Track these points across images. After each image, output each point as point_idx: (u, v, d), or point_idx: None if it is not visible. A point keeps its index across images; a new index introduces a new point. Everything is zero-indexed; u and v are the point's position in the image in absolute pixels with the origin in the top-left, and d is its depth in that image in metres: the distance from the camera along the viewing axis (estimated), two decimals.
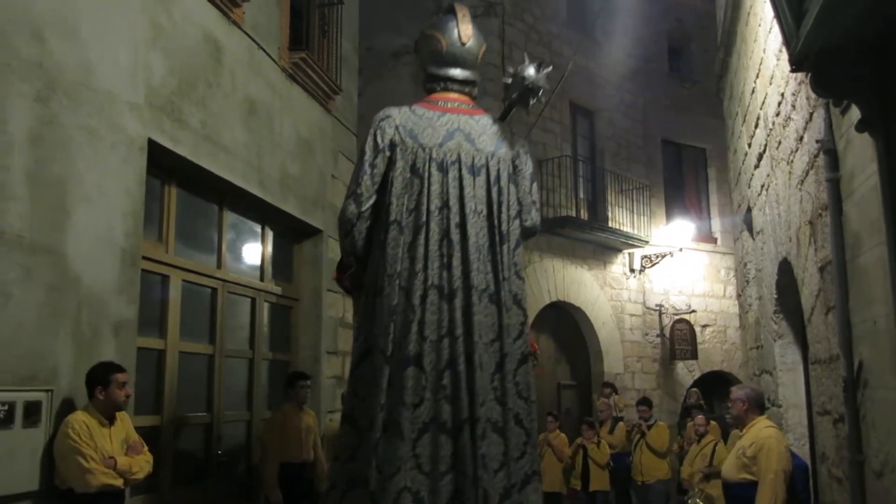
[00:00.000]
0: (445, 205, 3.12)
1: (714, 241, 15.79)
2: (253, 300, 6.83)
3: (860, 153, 3.21)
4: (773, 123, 5.14)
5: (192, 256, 5.94)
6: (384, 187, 3.19)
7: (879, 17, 2.54)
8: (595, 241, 13.56)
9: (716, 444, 7.08)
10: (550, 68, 3.41)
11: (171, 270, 5.58)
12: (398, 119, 3.25)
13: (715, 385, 14.29)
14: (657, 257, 14.38)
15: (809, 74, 3.08)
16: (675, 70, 16.32)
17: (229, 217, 6.48)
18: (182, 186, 5.75)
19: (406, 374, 2.97)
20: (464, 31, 3.35)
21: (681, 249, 14.47)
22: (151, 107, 5.02)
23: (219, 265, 6.30)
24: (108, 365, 4.24)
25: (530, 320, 4.12)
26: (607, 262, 13.96)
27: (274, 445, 6.02)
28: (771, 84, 5.18)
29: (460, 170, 3.17)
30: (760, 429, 4.63)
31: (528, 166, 3.35)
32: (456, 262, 3.05)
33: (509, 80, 3.35)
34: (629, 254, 14.30)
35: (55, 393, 4.07)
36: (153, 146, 5.03)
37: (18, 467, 3.83)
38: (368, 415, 3.01)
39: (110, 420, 4.18)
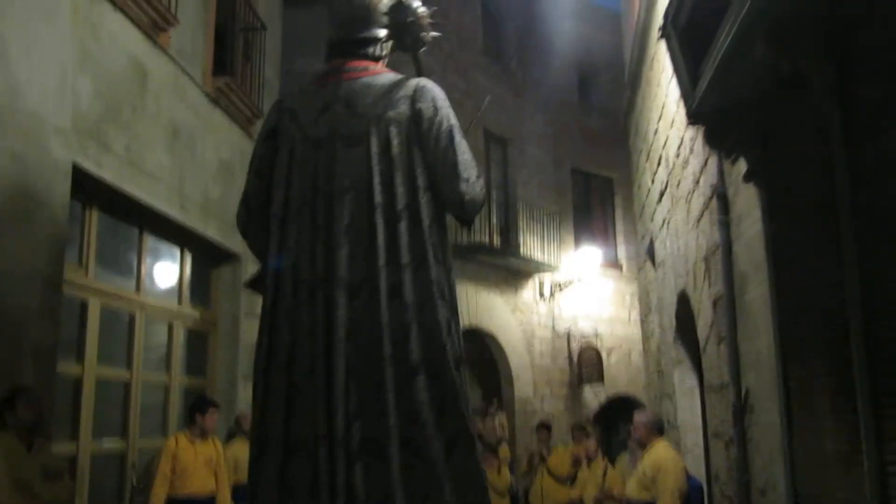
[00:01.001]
0: (315, 187, 2.65)
1: (620, 267, 16.41)
2: (170, 324, 6.85)
3: (747, 200, 3.58)
4: (674, 164, 5.56)
5: (111, 280, 5.94)
6: (273, 180, 2.75)
7: (764, 84, 2.89)
8: (507, 267, 13.93)
9: (606, 468, 7.24)
10: (434, 8, 2.91)
11: (90, 294, 5.58)
12: (286, 102, 2.84)
13: (620, 408, 14.81)
14: (566, 283, 14.87)
15: (703, 128, 3.44)
16: (584, 100, 16.98)
17: (149, 241, 6.50)
18: (103, 210, 5.77)
19: (270, 387, 2.55)
20: None
21: (589, 276, 15.00)
22: (77, 131, 5.06)
23: (137, 289, 6.31)
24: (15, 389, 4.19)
25: None
26: (518, 287, 14.35)
27: (160, 478, 5.65)
28: (672, 127, 5.59)
29: (334, 143, 2.67)
30: (659, 451, 4.88)
31: (438, 124, 2.62)
32: (320, 251, 2.57)
33: (386, 23, 2.80)
34: (539, 279, 14.73)
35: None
36: (77, 171, 5.05)
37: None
38: (266, 443, 2.55)
39: (28, 445, 4.17)
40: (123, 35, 5.69)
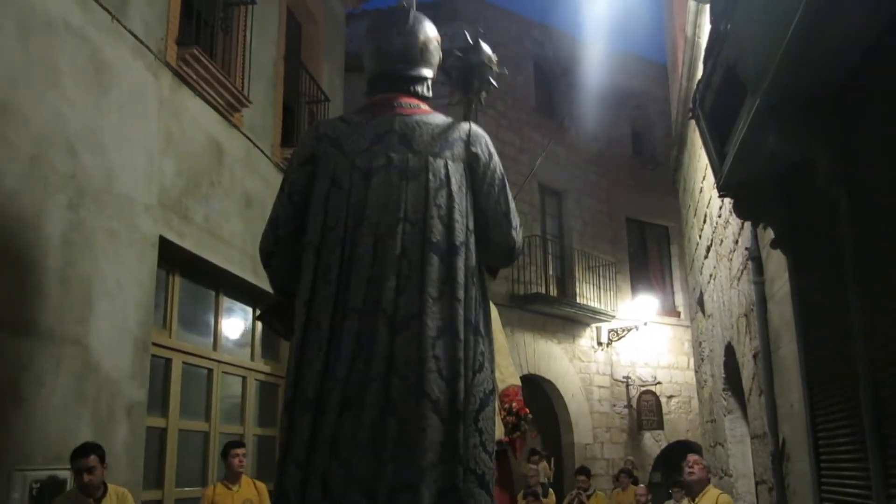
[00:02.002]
0: (360, 216, 2.55)
1: (678, 314, 16.46)
2: (244, 378, 7.31)
3: (777, 263, 3.87)
4: (717, 223, 5.85)
5: (191, 340, 6.44)
6: (309, 207, 2.64)
7: (784, 160, 3.21)
8: (564, 316, 14.18)
9: None
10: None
11: (173, 354, 6.07)
12: (323, 129, 2.74)
13: (681, 454, 14.76)
14: (623, 331, 15.02)
15: (732, 200, 3.76)
16: (637, 152, 17.25)
17: (225, 301, 7.01)
18: (184, 275, 6.29)
19: (304, 420, 2.41)
20: (405, 23, 2.82)
21: (646, 323, 15.14)
22: (163, 206, 5.60)
23: (214, 347, 6.80)
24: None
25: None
26: (576, 335, 14.56)
27: None
28: (714, 188, 5.89)
29: (388, 175, 2.59)
30: (716, 495, 4.96)
31: (493, 170, 2.67)
32: (363, 282, 2.47)
33: (455, 64, 2.83)
34: (597, 327, 14.92)
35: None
36: (163, 242, 5.58)
37: None
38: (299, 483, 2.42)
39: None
40: (202, 117, 6.27)
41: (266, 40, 7.59)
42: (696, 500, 5.06)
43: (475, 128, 2.69)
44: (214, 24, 6.71)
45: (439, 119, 2.68)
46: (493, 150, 2.68)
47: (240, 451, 5.79)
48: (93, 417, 4.71)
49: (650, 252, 17.17)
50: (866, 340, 2.80)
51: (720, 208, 5.58)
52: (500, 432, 3.67)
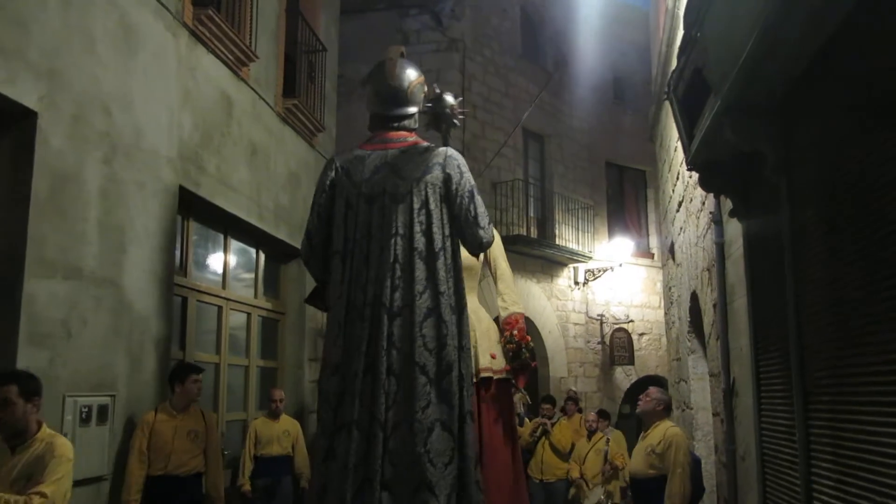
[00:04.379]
0: (369, 232, 3.44)
1: (651, 256, 17.19)
2: (248, 315, 7.90)
3: (734, 229, 4.49)
4: (688, 183, 6.44)
5: (203, 279, 7.00)
6: (332, 222, 3.60)
7: (738, 150, 3.78)
8: (543, 257, 14.84)
9: (608, 443, 7.68)
10: (461, 99, 3.94)
11: (189, 293, 6.63)
12: (339, 161, 3.64)
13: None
14: (599, 271, 15.75)
15: (698, 174, 4.35)
16: (618, 98, 17.72)
17: (232, 244, 7.55)
18: (197, 220, 6.81)
19: (332, 380, 3.38)
20: (390, 72, 3.66)
21: (621, 264, 15.87)
22: (182, 158, 6.08)
23: (224, 286, 7.37)
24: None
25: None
26: (554, 275, 15.26)
27: (134, 455, 5.10)
28: None
29: (384, 200, 3.45)
30: (667, 428, 5.10)
31: (463, 186, 3.49)
32: (371, 282, 3.38)
33: (426, 112, 3.78)
34: (574, 268, 15.62)
35: (117, 398, 5.13)
36: (182, 191, 6.08)
37: (96, 457, 4.88)
38: (332, 422, 3.37)
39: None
40: (215, 73, 6.70)
41: None
42: (647, 431, 5.27)
43: (451, 151, 3.59)
44: None
45: (422, 147, 3.59)
46: (464, 168, 3.56)
47: (199, 376, 5.60)
48: (127, 351, 5.28)
49: (627, 195, 17.80)
50: (796, 297, 3.43)
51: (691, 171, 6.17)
52: (500, 361, 4.07)
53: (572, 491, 8.55)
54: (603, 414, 9.01)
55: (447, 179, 3.50)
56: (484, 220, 3.53)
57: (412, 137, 3.68)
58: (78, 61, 4.85)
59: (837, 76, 3.02)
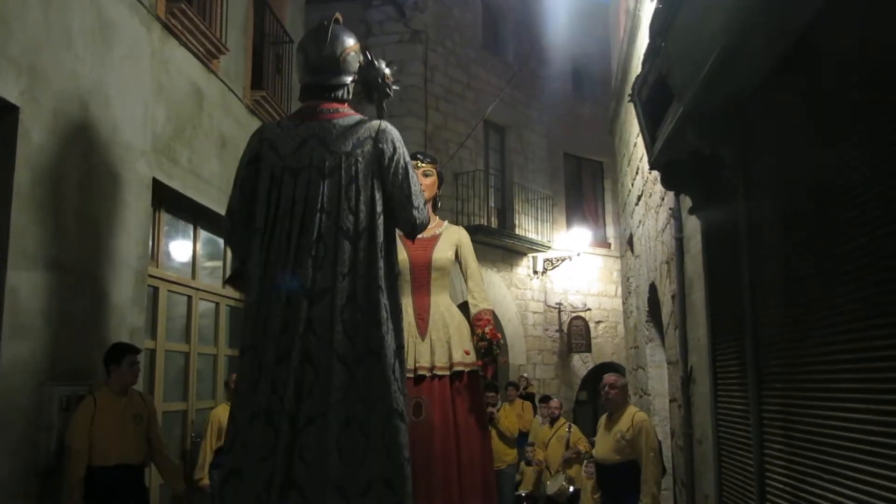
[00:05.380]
0: (292, 208, 3.19)
1: (608, 245, 17.57)
2: (216, 304, 8.00)
3: (693, 226, 4.75)
4: (647, 178, 6.71)
5: (174, 269, 7.08)
6: (255, 197, 3.30)
7: (699, 152, 4.03)
8: (503, 246, 15.11)
9: (570, 428, 7.88)
10: (396, 68, 3.54)
11: (160, 283, 6.72)
12: (265, 133, 3.38)
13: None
14: (558, 260, 16.08)
15: (660, 174, 4.59)
16: (577, 89, 18.02)
17: (202, 234, 7.63)
18: (168, 211, 6.89)
19: (244, 362, 3.18)
20: (322, 39, 3.38)
21: (578, 254, 16.21)
22: (155, 151, 6.16)
23: (193, 276, 7.45)
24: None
25: None
26: (513, 264, 15.54)
27: (77, 445, 4.56)
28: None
29: (310, 174, 3.20)
30: (633, 414, 5.23)
31: (397, 161, 3.27)
32: (291, 261, 3.13)
33: (357, 79, 3.44)
34: (533, 257, 15.93)
35: (94, 386, 5.21)
36: (155, 183, 6.16)
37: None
38: (245, 408, 3.14)
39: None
40: (186, 66, 6.77)
41: None
42: (613, 417, 5.36)
43: (384, 125, 3.35)
44: None
45: (353, 119, 3.34)
46: (398, 143, 3.32)
47: (137, 357, 5.03)
48: (103, 340, 5.36)
49: (585, 186, 18.14)
50: (751, 291, 3.71)
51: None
52: (472, 356, 4.27)
53: (519, 476, 8.72)
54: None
55: (379, 154, 3.27)
56: (418, 199, 3.30)
57: (344, 108, 3.41)
58: (57, 57, 4.91)
59: (792, 86, 3.27)
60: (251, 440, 3.07)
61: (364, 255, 3.18)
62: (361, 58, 3.49)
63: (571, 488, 7.68)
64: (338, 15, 3.55)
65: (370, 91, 3.46)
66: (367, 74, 3.44)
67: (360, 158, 3.25)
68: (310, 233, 3.16)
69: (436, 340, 4.27)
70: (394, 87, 3.53)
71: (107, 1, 5.49)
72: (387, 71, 3.47)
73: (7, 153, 4.52)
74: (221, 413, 6.84)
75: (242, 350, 3.24)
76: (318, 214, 3.17)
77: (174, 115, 6.50)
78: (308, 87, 3.46)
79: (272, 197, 3.24)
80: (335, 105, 3.39)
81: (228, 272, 8.19)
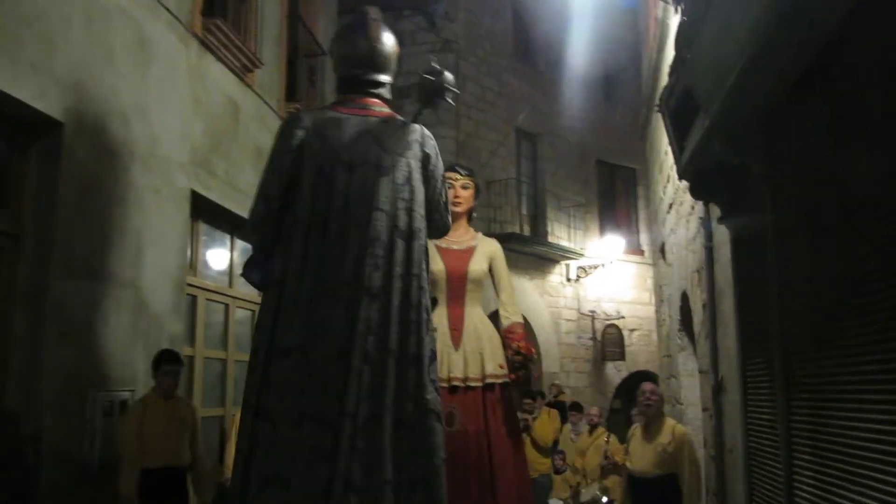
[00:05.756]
0: (346, 204, 3.10)
1: (642, 253, 17.48)
2: (252, 312, 8.14)
3: (722, 235, 4.78)
4: (678, 187, 6.72)
5: (211, 278, 7.24)
6: (291, 188, 3.17)
7: (726, 163, 4.06)
8: (535, 254, 15.13)
9: (609, 438, 7.65)
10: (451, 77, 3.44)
11: (198, 292, 6.88)
12: (308, 122, 3.23)
13: (640, 382, 15.95)
14: (591, 268, 16.06)
15: (689, 183, 4.63)
16: (609, 97, 17.99)
17: (238, 244, 7.79)
18: (206, 222, 7.05)
19: (282, 364, 3.00)
20: (374, 34, 3.33)
21: (612, 261, 16.17)
22: (193, 164, 6.33)
23: (230, 284, 7.61)
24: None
25: None
26: (546, 272, 15.55)
27: (130, 448, 4.84)
28: None
29: (366, 170, 3.14)
30: (673, 426, 5.11)
31: (438, 167, 3.34)
32: (349, 259, 3.05)
33: (416, 81, 3.36)
34: (566, 265, 15.92)
35: (135, 392, 5.37)
36: (193, 195, 6.33)
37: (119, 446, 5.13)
38: (289, 411, 2.97)
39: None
40: (222, 80, 6.94)
41: (272, 2, 8.18)
42: (653, 428, 5.20)
43: (426, 131, 3.37)
44: None
45: (399, 121, 3.34)
46: (437, 149, 3.36)
47: (174, 368, 5.24)
48: (145, 348, 5.53)
49: (618, 193, 18.08)
50: (779, 301, 3.73)
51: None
52: (506, 370, 4.29)
53: (559, 483, 8.70)
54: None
55: (426, 159, 3.30)
56: (448, 206, 3.41)
57: (387, 109, 3.39)
58: (99, 74, 5.08)
59: (818, 96, 3.29)
60: (298, 445, 2.94)
61: (416, 256, 3.17)
62: (430, 65, 3.43)
63: (605, 499, 7.62)
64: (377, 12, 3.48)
65: (430, 97, 3.37)
66: (438, 82, 3.35)
67: (412, 160, 3.25)
68: (367, 231, 3.10)
69: (469, 352, 4.29)
70: (453, 96, 3.47)
71: (146, 18, 5.66)
72: (451, 78, 3.44)
73: (53, 168, 4.69)
74: None
75: (283, 350, 3.02)
76: (375, 212, 3.12)
77: (211, 128, 6.67)
78: (351, 79, 3.38)
79: (319, 189, 3.11)
80: (380, 103, 3.37)
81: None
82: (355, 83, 3.35)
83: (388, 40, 3.41)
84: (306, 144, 3.18)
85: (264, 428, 3.00)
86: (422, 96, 3.39)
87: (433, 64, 3.44)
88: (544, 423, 8.77)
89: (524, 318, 8.36)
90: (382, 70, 3.37)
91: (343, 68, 3.42)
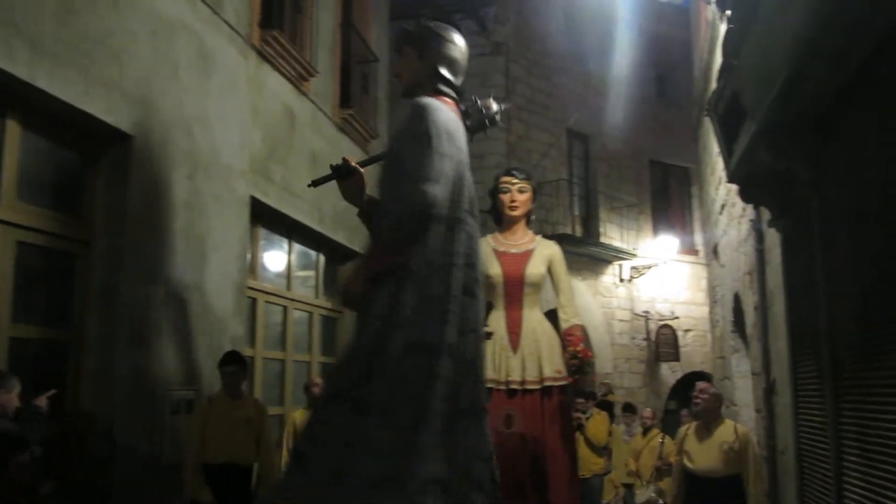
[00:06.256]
0: (473, 206, 3.09)
1: (696, 253, 17.30)
2: (310, 314, 8.38)
3: (773, 238, 4.80)
4: (729, 189, 6.72)
5: (270, 281, 7.48)
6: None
7: (774, 168, 4.10)
8: (588, 255, 15.11)
9: (663, 439, 7.71)
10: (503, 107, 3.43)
11: (258, 294, 7.11)
12: (449, 113, 3.12)
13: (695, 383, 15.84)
14: (644, 268, 15.97)
15: (738, 187, 4.66)
16: (661, 95, 17.87)
17: (295, 247, 8.02)
18: (265, 226, 7.29)
19: (445, 362, 2.86)
20: (466, 49, 3.36)
21: (665, 262, 16.07)
22: (252, 171, 6.55)
23: (288, 287, 7.84)
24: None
25: None
26: (599, 272, 15.53)
27: (192, 444, 5.12)
28: None
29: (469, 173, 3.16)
30: (734, 426, 4.96)
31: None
32: (474, 262, 3.04)
33: (477, 114, 3.32)
34: (619, 265, 15.86)
35: (200, 391, 5.61)
36: (253, 201, 6.56)
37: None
38: (415, 409, 2.80)
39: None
40: (279, 89, 7.16)
41: (327, 11, 8.40)
42: (711, 427, 5.01)
43: None
44: (284, 4, 7.54)
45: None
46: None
47: (233, 368, 5.38)
48: (208, 349, 5.76)
49: (671, 192, 17.93)
50: (827, 307, 3.75)
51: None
52: (563, 374, 4.34)
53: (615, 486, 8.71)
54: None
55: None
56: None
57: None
58: (165, 87, 5.33)
59: (865, 101, 3.32)
60: (474, 443, 2.90)
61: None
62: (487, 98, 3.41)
63: (661, 501, 7.64)
64: None
65: (482, 125, 3.37)
66: (489, 112, 3.36)
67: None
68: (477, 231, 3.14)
69: (527, 355, 4.35)
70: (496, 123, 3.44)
71: (207, 32, 5.90)
72: (499, 109, 3.42)
73: (122, 178, 4.95)
74: (298, 417, 6.83)
75: (436, 347, 2.87)
76: (476, 218, 3.15)
77: (269, 136, 6.89)
78: (449, 82, 3.28)
79: (456, 189, 3.01)
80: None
81: (321, 284, 8.58)
82: (455, 90, 3.31)
83: None
84: (454, 139, 3.10)
85: (423, 429, 2.86)
86: (473, 123, 3.37)
87: (491, 99, 3.41)
88: (598, 423, 8.72)
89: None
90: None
91: (447, 69, 3.29)
